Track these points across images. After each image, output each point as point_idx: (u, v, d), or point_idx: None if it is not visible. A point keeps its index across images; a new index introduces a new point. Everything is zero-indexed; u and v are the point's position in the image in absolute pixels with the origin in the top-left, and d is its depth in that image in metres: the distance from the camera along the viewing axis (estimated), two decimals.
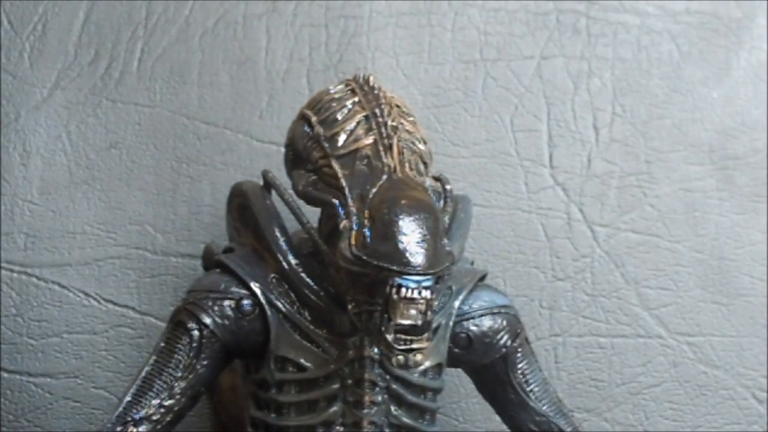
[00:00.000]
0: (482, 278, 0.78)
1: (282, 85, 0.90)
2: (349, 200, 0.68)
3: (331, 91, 0.73)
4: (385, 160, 0.69)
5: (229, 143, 0.90)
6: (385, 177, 0.68)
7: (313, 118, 0.73)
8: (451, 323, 0.75)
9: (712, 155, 0.92)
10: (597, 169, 0.91)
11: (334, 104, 0.72)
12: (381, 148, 0.70)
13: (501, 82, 0.91)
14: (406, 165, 0.69)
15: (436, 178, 0.74)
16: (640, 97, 0.92)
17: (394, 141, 0.70)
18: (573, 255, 0.90)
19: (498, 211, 0.90)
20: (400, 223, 0.66)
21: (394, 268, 0.65)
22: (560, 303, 0.90)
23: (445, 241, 0.68)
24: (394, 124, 0.71)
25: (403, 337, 0.67)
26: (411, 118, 0.73)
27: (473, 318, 0.75)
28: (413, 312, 0.67)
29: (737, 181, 0.92)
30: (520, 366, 0.76)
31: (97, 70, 0.90)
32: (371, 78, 0.73)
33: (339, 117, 0.72)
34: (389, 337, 0.67)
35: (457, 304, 0.75)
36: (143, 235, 0.89)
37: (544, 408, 0.76)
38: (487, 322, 0.76)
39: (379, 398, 0.72)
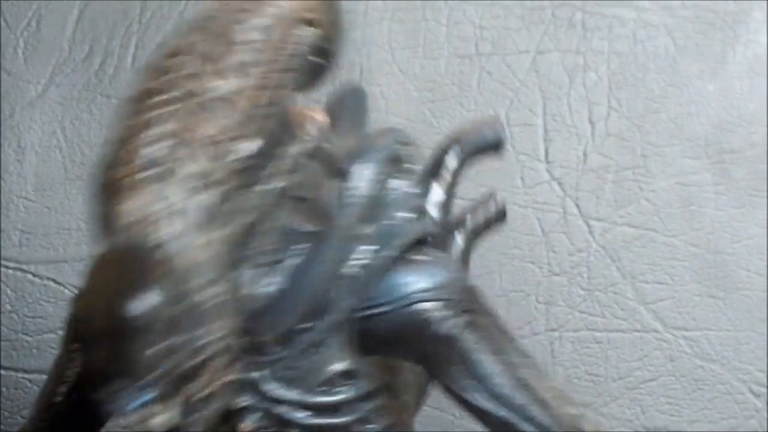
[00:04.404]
0: (419, 243, 0.57)
1: None
2: None
3: None
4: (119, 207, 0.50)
5: None
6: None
7: None
8: (345, 320, 0.56)
9: (709, 149, 0.92)
10: (593, 164, 0.91)
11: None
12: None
13: (496, 76, 0.91)
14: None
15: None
16: (636, 91, 0.92)
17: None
18: (569, 250, 0.90)
19: None
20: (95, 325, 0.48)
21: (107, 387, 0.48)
22: (556, 298, 0.89)
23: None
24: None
25: None
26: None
27: (373, 317, 0.56)
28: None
29: (734, 175, 0.92)
30: (469, 359, 0.57)
31: (92, 66, 0.90)
32: None
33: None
34: None
35: (353, 290, 0.56)
36: None
37: (501, 413, 0.56)
38: (390, 322, 0.56)
39: (262, 424, 0.56)
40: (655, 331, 0.90)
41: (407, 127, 0.72)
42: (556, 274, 0.90)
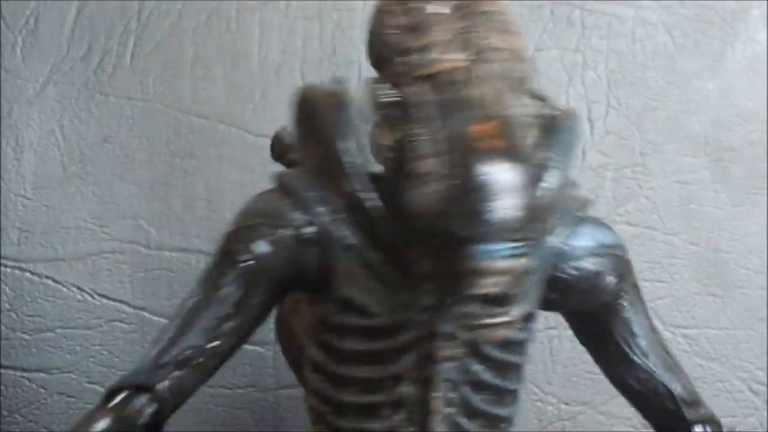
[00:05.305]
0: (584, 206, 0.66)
1: (275, 79, 0.90)
2: (423, 137, 0.57)
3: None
4: (474, 92, 0.57)
5: (222, 137, 0.89)
6: (472, 113, 0.57)
7: (402, 20, 0.61)
8: (547, 265, 0.62)
9: (707, 147, 0.92)
10: (592, 162, 0.91)
11: (423, 9, 0.61)
12: (472, 74, 0.58)
13: None
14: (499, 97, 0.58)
15: (534, 96, 0.61)
16: (634, 89, 0.92)
17: (488, 68, 0.59)
18: None
19: None
20: (483, 175, 0.55)
21: (471, 233, 0.54)
22: None
23: (544, 184, 0.59)
24: (491, 43, 0.60)
25: (482, 312, 0.58)
26: (508, 30, 0.63)
27: (573, 259, 0.63)
28: (497, 281, 0.56)
29: (732, 173, 0.92)
30: (624, 316, 0.66)
31: (90, 65, 0.90)
32: None
33: (427, 28, 0.60)
34: (464, 309, 0.58)
35: (555, 242, 0.62)
36: (137, 230, 0.88)
37: (649, 364, 0.67)
38: (588, 266, 0.63)
39: (456, 353, 0.61)
40: None
41: None
42: None
